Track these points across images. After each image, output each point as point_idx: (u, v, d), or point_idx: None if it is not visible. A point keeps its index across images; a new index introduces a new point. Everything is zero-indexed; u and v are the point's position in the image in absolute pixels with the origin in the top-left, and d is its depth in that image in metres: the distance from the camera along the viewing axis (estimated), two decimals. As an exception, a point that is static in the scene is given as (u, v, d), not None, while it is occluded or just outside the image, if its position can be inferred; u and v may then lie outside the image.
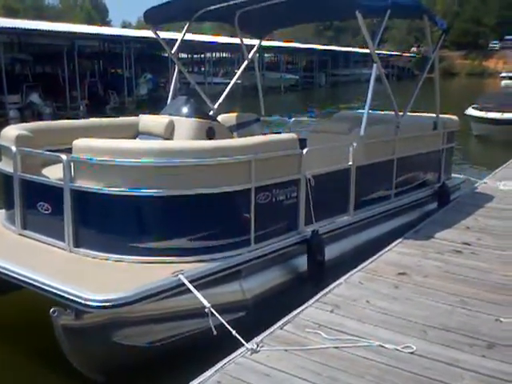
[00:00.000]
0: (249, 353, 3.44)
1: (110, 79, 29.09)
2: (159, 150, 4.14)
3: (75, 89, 24.72)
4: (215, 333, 3.63)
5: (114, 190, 4.08)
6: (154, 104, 22.37)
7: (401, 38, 78.66)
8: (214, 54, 41.01)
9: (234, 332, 3.55)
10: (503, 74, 45.80)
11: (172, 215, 4.17)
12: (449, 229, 6.10)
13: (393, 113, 6.47)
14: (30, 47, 27.99)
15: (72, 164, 4.20)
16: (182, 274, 3.87)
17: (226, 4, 6.14)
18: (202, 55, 39.31)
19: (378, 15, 6.47)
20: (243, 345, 3.49)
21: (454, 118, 7.87)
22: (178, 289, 3.83)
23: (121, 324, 3.68)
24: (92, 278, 3.83)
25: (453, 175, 8.17)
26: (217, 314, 3.66)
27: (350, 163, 5.54)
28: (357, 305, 4.16)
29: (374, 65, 5.89)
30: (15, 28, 23.25)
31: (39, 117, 20.59)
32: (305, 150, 4.90)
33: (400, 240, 5.66)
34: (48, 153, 4.63)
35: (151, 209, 4.19)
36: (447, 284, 4.58)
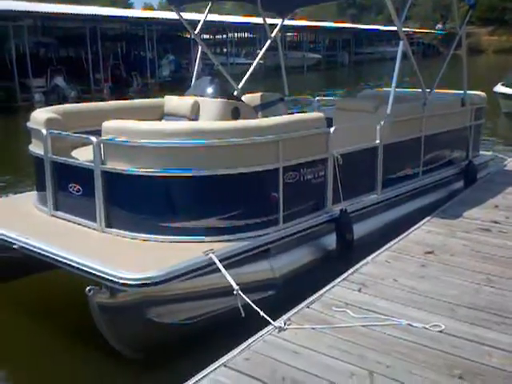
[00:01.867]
0: (276, 331, 3.46)
1: (133, 61, 29.16)
2: (189, 130, 4.16)
3: (99, 71, 24.89)
4: (243, 314, 3.66)
5: (144, 171, 4.12)
6: (177, 85, 22.44)
7: (426, 15, 77.08)
8: (236, 35, 40.78)
9: (261, 313, 3.58)
10: (532, 50, 44.69)
11: (201, 195, 4.21)
12: (477, 207, 6.02)
13: (420, 90, 6.38)
14: (54, 31, 28.25)
15: (102, 145, 4.25)
16: (213, 252, 3.91)
17: None
18: (224, 36, 39.09)
19: None
20: (270, 323, 3.52)
21: (482, 94, 7.72)
22: (210, 268, 3.87)
23: (154, 302, 3.75)
24: (125, 258, 3.89)
25: (481, 152, 8.04)
26: (244, 297, 3.69)
27: (378, 141, 5.50)
28: (384, 284, 4.15)
29: (401, 42, 5.79)
30: (39, 12, 23.40)
31: (64, 100, 20.80)
32: (332, 129, 4.87)
33: (427, 219, 5.61)
34: (78, 135, 4.68)
35: (181, 189, 4.22)
36: (475, 262, 4.54)
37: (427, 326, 3.48)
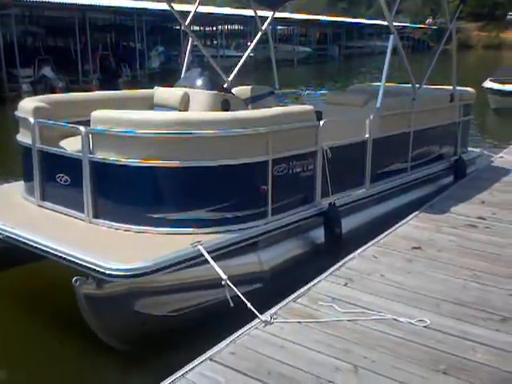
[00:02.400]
0: (262, 325, 3.47)
1: (122, 52, 28.92)
2: (178, 120, 4.14)
3: (87, 62, 24.65)
4: (232, 304, 3.67)
5: (133, 162, 4.09)
6: (167, 77, 22.30)
7: (416, 10, 77.14)
8: (226, 27, 40.57)
9: (248, 304, 3.58)
10: (521, 46, 44.93)
11: (190, 186, 4.19)
12: (464, 203, 6.05)
13: (409, 85, 6.39)
14: (42, 20, 27.93)
15: (90, 135, 4.21)
16: (201, 244, 3.90)
17: None
18: (214, 28, 38.90)
19: None
20: (257, 317, 3.52)
21: (471, 90, 7.75)
22: (197, 259, 3.87)
23: (141, 293, 3.75)
24: (112, 248, 3.88)
25: (469, 149, 8.08)
26: (233, 287, 3.70)
27: (367, 136, 5.51)
28: (370, 278, 4.17)
29: (391, 36, 5.79)
30: (27, 1, 23.11)
31: (52, 90, 20.57)
32: (321, 122, 4.87)
33: (414, 214, 5.64)
34: (66, 124, 4.64)
35: (169, 180, 4.20)
36: (461, 258, 4.57)
37: (412, 321, 3.50)
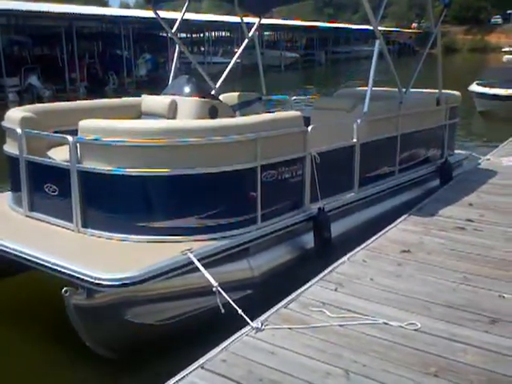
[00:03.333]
0: (253, 331, 3.46)
1: (109, 60, 28.80)
2: (166, 129, 4.14)
3: (74, 70, 24.55)
4: (223, 311, 3.67)
5: (121, 171, 4.08)
6: (154, 84, 22.27)
7: (401, 14, 77.78)
8: (213, 34, 40.63)
9: (240, 311, 3.58)
10: (505, 49, 45.41)
11: (179, 195, 4.19)
12: (452, 206, 6.09)
13: (395, 89, 6.44)
14: (28, 29, 27.77)
15: (78, 145, 4.20)
16: (191, 252, 3.89)
17: None
18: (201, 34, 38.94)
19: None
20: (248, 323, 3.51)
21: (456, 93, 7.82)
22: (188, 267, 3.86)
23: (131, 302, 3.73)
24: (102, 258, 3.86)
25: (456, 151, 8.14)
26: (223, 293, 3.69)
27: (355, 140, 5.53)
28: (361, 283, 4.18)
29: (377, 41, 5.84)
30: (12, 10, 23.00)
31: (39, 100, 20.50)
32: (310, 128, 4.89)
33: (403, 218, 5.66)
34: (54, 134, 4.62)
35: (158, 188, 4.19)
36: (450, 261, 4.59)
37: (403, 325, 3.50)
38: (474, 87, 16.68)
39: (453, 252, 4.79)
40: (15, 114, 4.79)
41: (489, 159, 8.56)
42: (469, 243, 5.00)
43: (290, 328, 3.50)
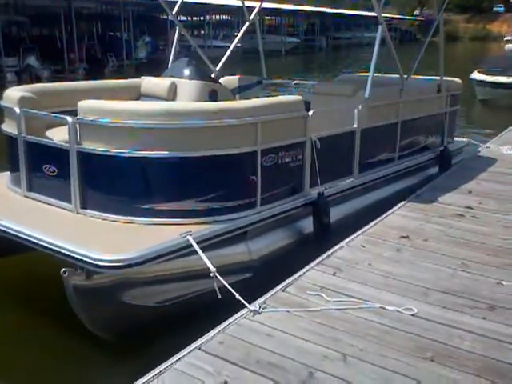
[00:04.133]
0: (251, 314, 3.46)
1: (109, 42, 28.66)
2: (165, 110, 4.10)
3: (73, 52, 24.43)
4: (220, 296, 3.66)
5: (121, 152, 4.05)
6: (153, 67, 22.04)
7: (404, 1, 77.27)
8: (213, 17, 40.34)
9: (237, 295, 3.57)
10: (508, 38, 45.16)
11: (178, 177, 4.17)
12: (451, 193, 6.09)
13: (397, 76, 6.40)
14: (27, 9, 27.49)
15: (77, 126, 4.17)
16: (190, 235, 3.88)
17: None
18: (202, 18, 38.66)
19: None
20: (246, 306, 3.52)
21: (458, 80, 7.78)
22: (186, 250, 3.85)
23: (130, 284, 3.72)
24: (101, 239, 3.84)
25: (456, 139, 8.12)
26: (221, 279, 3.68)
27: (355, 126, 5.51)
28: (359, 268, 4.18)
29: (379, 26, 5.79)
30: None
31: (37, 80, 20.37)
32: (310, 112, 4.87)
33: (402, 204, 5.66)
34: (53, 114, 4.58)
35: (158, 171, 4.18)
36: (449, 247, 4.59)
37: (400, 310, 3.51)
38: (476, 75, 16.63)
39: (451, 239, 4.79)
40: (14, 94, 4.74)
41: (489, 147, 8.54)
42: (467, 230, 5.00)
43: (287, 311, 3.50)
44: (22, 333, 4.17)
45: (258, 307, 3.51)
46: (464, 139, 8.61)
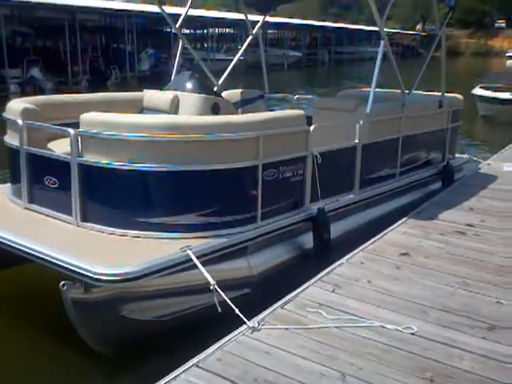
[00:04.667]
0: (250, 331, 3.44)
1: (112, 54, 28.77)
2: (167, 124, 4.11)
3: (77, 63, 24.53)
4: (220, 310, 3.64)
5: (122, 165, 4.05)
6: (156, 79, 22.23)
7: (406, 16, 77.64)
8: (217, 30, 40.56)
9: (236, 310, 3.56)
10: (509, 54, 45.29)
11: (179, 191, 4.16)
12: (452, 210, 6.07)
13: (398, 91, 6.41)
14: (31, 20, 27.69)
15: (79, 138, 4.17)
16: (190, 249, 3.87)
17: None
18: (205, 31, 38.88)
19: None
20: (245, 323, 3.49)
21: (459, 96, 7.80)
22: (186, 264, 3.84)
23: (129, 298, 3.71)
24: (100, 252, 3.84)
25: (456, 155, 8.12)
26: (221, 292, 3.67)
27: (357, 141, 5.51)
28: (358, 285, 4.16)
29: (382, 41, 5.81)
30: (16, 0, 22.94)
31: (40, 92, 20.43)
32: (312, 127, 4.87)
33: (402, 220, 5.64)
34: (55, 127, 4.60)
35: (159, 184, 4.17)
36: (449, 265, 4.57)
37: (399, 328, 3.49)
38: (477, 91, 16.66)
39: (452, 256, 4.77)
40: (16, 106, 4.77)
41: (490, 164, 8.54)
42: (468, 248, 4.98)
43: (286, 328, 3.48)
44: (18, 345, 4.13)
45: (256, 324, 3.49)
46: (464, 155, 8.61)
